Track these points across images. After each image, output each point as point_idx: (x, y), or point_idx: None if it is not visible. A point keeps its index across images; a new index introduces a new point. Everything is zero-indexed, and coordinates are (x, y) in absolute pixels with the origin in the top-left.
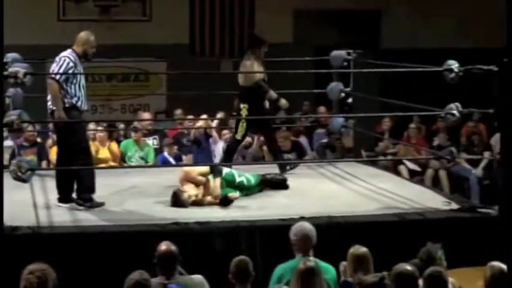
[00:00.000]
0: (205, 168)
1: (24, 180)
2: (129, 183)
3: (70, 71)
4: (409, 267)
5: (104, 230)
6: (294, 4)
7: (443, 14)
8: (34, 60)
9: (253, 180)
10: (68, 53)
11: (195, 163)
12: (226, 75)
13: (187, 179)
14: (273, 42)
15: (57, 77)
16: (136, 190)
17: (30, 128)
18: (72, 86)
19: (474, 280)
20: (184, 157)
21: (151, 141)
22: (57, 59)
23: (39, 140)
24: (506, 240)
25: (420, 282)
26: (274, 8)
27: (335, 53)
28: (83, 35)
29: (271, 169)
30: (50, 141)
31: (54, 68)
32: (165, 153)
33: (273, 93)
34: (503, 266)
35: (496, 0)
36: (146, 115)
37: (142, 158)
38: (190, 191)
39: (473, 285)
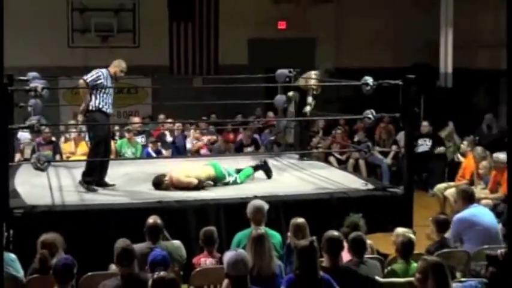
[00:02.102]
0: (193, 181)
1: (42, 170)
2: (123, 172)
3: (98, 81)
4: (336, 233)
5: (104, 207)
6: (248, 34)
7: (359, 42)
8: (49, 77)
9: (238, 181)
10: (103, 69)
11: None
12: (197, 88)
13: (176, 185)
14: (233, 63)
15: (88, 80)
16: (129, 177)
17: (47, 130)
18: (99, 94)
19: (385, 243)
20: (164, 151)
21: (140, 139)
22: (93, 71)
23: (53, 138)
24: (408, 211)
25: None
26: (233, 37)
27: (279, 71)
28: (116, 61)
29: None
30: (62, 139)
31: (87, 75)
32: (149, 149)
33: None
34: (411, 235)
35: (400, 30)
36: (136, 119)
37: (133, 153)
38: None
39: (385, 246)
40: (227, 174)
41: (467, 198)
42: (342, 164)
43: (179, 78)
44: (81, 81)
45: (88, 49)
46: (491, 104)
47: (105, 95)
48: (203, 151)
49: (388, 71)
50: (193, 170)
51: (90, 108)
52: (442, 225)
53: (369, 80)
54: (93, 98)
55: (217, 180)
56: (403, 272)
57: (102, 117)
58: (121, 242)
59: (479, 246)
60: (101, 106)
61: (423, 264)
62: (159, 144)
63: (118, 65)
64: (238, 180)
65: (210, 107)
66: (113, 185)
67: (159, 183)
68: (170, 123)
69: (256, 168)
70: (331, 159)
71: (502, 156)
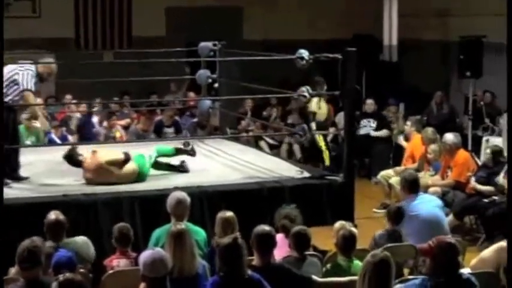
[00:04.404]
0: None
1: None
2: (23, 161)
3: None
4: (267, 228)
5: None
6: (166, 2)
7: (292, 10)
8: None
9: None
10: (29, 66)
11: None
12: (107, 64)
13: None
14: (149, 35)
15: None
16: (30, 167)
17: None
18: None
19: (323, 238)
20: (70, 137)
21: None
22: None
23: None
24: (349, 201)
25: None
26: (149, 6)
27: (202, 44)
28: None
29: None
30: None
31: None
32: (52, 134)
33: None
34: (352, 228)
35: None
36: (38, 100)
37: (32, 142)
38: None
39: (323, 242)
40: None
41: (409, 186)
42: (274, 149)
43: (87, 52)
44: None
45: None
46: (442, 79)
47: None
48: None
49: (326, 43)
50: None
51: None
52: (397, 216)
53: (304, 53)
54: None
55: (141, 179)
56: (344, 270)
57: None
58: (27, 242)
59: (422, 241)
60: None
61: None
62: (64, 129)
63: (49, 68)
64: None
65: (123, 86)
66: (27, 178)
67: (71, 156)
68: (76, 103)
69: (179, 151)
70: (262, 144)
71: (450, 137)
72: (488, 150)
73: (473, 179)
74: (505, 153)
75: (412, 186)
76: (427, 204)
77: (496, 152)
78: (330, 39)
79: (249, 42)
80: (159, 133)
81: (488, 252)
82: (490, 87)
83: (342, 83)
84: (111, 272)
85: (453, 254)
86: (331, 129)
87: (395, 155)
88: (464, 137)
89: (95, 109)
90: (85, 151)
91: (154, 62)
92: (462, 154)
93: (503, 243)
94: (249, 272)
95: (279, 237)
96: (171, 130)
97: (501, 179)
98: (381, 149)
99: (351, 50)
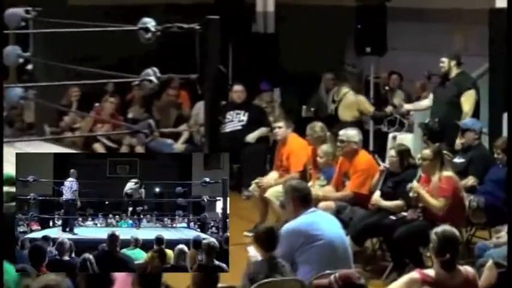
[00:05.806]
0: None
1: None
2: None
3: None
4: None
5: None
6: None
7: None
8: None
9: None
10: None
11: None
12: None
13: None
14: None
15: None
16: None
17: None
18: None
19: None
20: None
21: None
22: None
23: None
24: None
25: None
26: None
27: (10, 11)
28: None
29: None
30: None
31: None
32: None
33: None
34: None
35: None
36: None
37: None
38: None
39: (180, 277)
40: None
41: (301, 199)
42: None
43: None
44: None
45: None
46: (333, 57)
47: None
48: None
49: (180, 8)
50: None
51: None
52: (269, 240)
53: (150, 23)
54: None
55: None
56: None
57: None
58: None
59: (321, 270)
60: None
61: None
62: None
63: None
64: None
65: None
66: None
67: None
68: None
69: None
70: (97, 146)
71: (353, 133)
72: (393, 152)
73: (377, 193)
74: (418, 155)
75: (306, 198)
76: (332, 225)
77: (403, 153)
78: (186, 4)
79: (77, 8)
80: None
81: (397, 285)
82: (397, 67)
83: (201, 63)
84: None
85: None
86: (183, 126)
87: (273, 159)
88: (364, 133)
89: None
90: None
91: None
92: (363, 157)
93: (415, 274)
94: None
95: (120, 274)
96: None
97: (415, 184)
98: (255, 150)
99: (213, 18)
